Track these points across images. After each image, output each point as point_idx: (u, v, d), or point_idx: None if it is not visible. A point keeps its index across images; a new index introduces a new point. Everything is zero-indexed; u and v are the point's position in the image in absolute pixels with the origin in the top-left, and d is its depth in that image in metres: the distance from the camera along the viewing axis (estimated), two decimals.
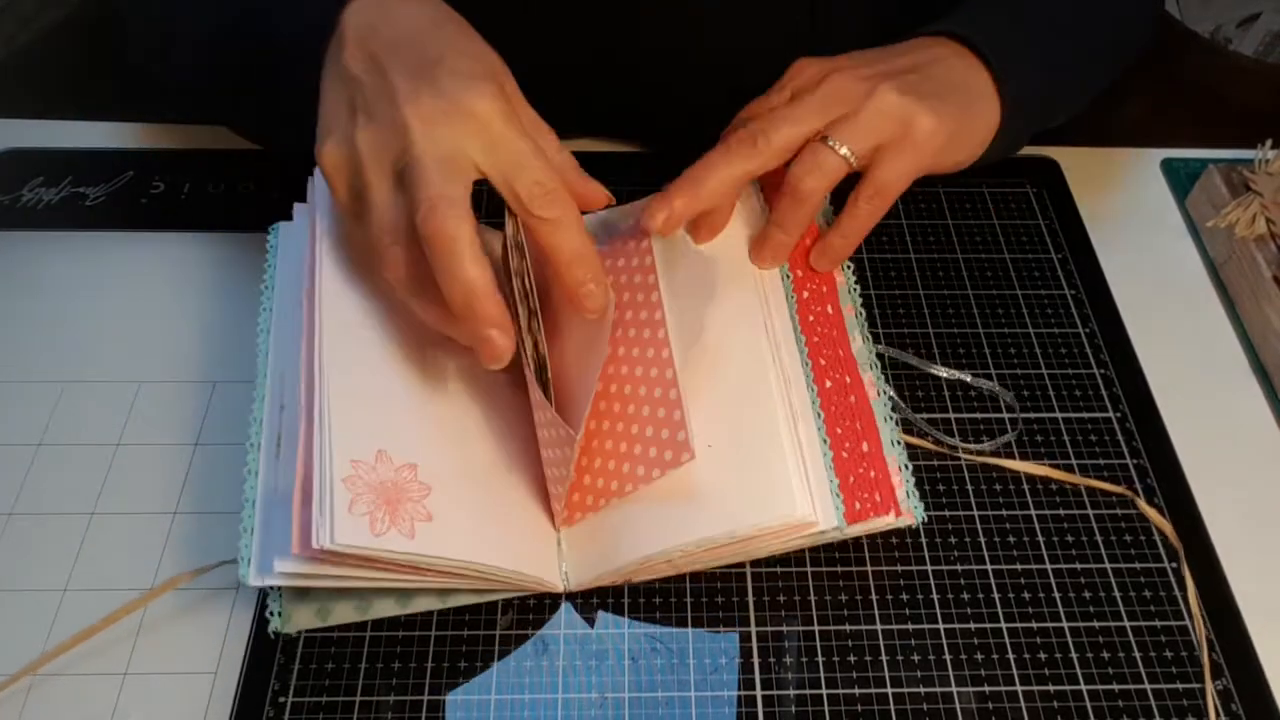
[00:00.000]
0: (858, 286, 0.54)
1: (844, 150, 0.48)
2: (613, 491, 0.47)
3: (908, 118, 0.49)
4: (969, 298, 0.62)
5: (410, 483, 0.43)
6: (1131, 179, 0.70)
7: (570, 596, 0.48)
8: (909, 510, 0.47)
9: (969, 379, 0.56)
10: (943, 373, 0.57)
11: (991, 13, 0.55)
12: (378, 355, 0.46)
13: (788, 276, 0.53)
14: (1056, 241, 0.65)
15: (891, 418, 0.49)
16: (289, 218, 0.66)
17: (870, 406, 0.49)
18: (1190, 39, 1.15)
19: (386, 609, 0.46)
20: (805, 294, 0.52)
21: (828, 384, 0.49)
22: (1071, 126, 0.65)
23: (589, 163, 0.68)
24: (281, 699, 0.45)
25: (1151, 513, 0.51)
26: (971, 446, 0.54)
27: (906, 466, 0.48)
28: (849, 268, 0.54)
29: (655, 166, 0.68)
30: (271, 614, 0.45)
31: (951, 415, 0.56)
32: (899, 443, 0.48)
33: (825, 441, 0.47)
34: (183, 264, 0.62)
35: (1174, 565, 0.50)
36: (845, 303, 0.53)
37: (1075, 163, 0.70)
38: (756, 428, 0.47)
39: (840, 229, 0.51)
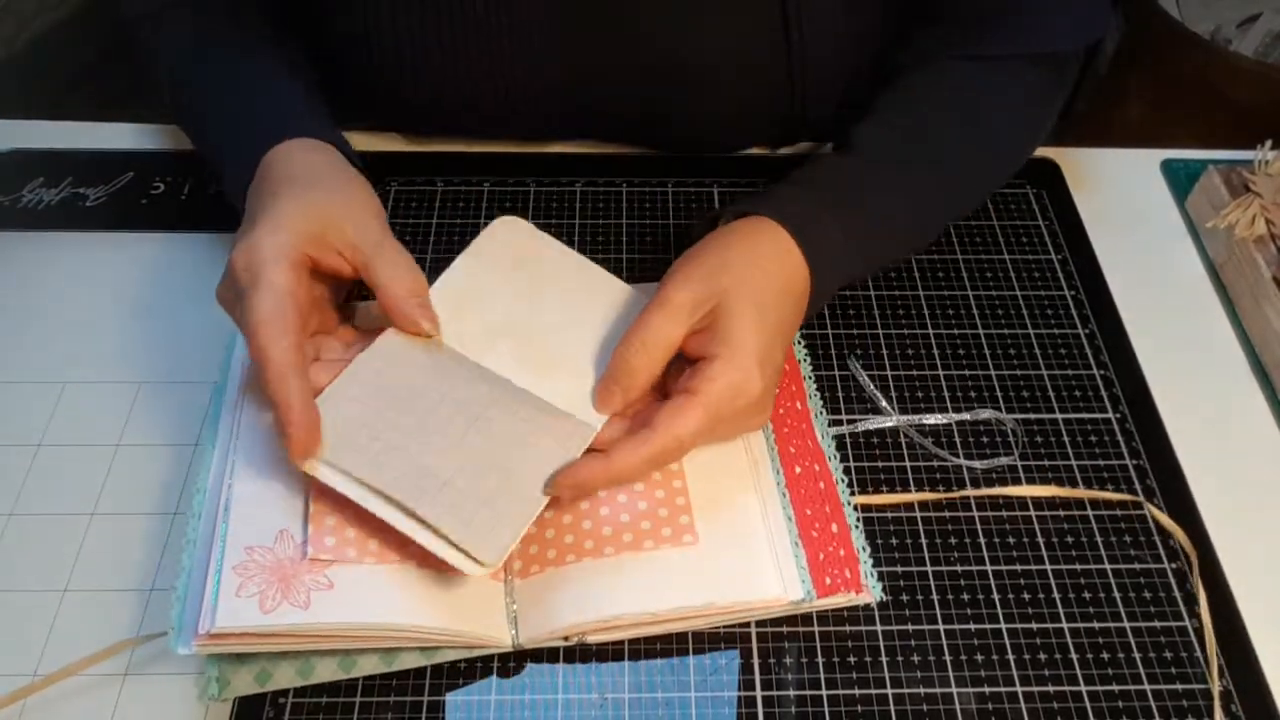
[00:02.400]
0: (818, 393, 0.55)
1: None
2: (586, 551, 0.47)
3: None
4: (969, 298, 0.62)
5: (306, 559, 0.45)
6: (1131, 179, 0.70)
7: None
8: (869, 589, 0.48)
9: (969, 417, 0.56)
10: (941, 420, 0.57)
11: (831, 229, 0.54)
12: None
13: None
14: (1056, 242, 0.65)
15: (851, 503, 0.50)
16: None
17: (836, 490, 0.50)
18: (1190, 39, 1.15)
19: (328, 673, 0.45)
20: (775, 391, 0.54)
21: (797, 470, 0.51)
22: (1071, 126, 0.66)
23: (583, 163, 0.68)
24: (281, 699, 0.45)
25: (1164, 518, 0.51)
26: (976, 465, 0.54)
27: (865, 549, 0.48)
28: (810, 379, 0.55)
29: (648, 167, 0.69)
30: (208, 680, 0.44)
31: (953, 417, 0.56)
32: (858, 526, 0.49)
33: (791, 519, 0.48)
34: (182, 264, 0.62)
35: (1174, 566, 0.50)
36: (811, 402, 0.54)
37: (1075, 163, 0.70)
38: (731, 510, 0.49)
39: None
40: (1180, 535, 0.51)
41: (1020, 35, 0.59)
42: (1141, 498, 0.53)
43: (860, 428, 0.55)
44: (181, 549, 0.46)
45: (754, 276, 0.49)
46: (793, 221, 0.52)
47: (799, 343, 0.57)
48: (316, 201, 0.49)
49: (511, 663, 0.47)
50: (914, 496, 0.52)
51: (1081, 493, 0.53)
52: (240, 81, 0.59)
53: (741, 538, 0.48)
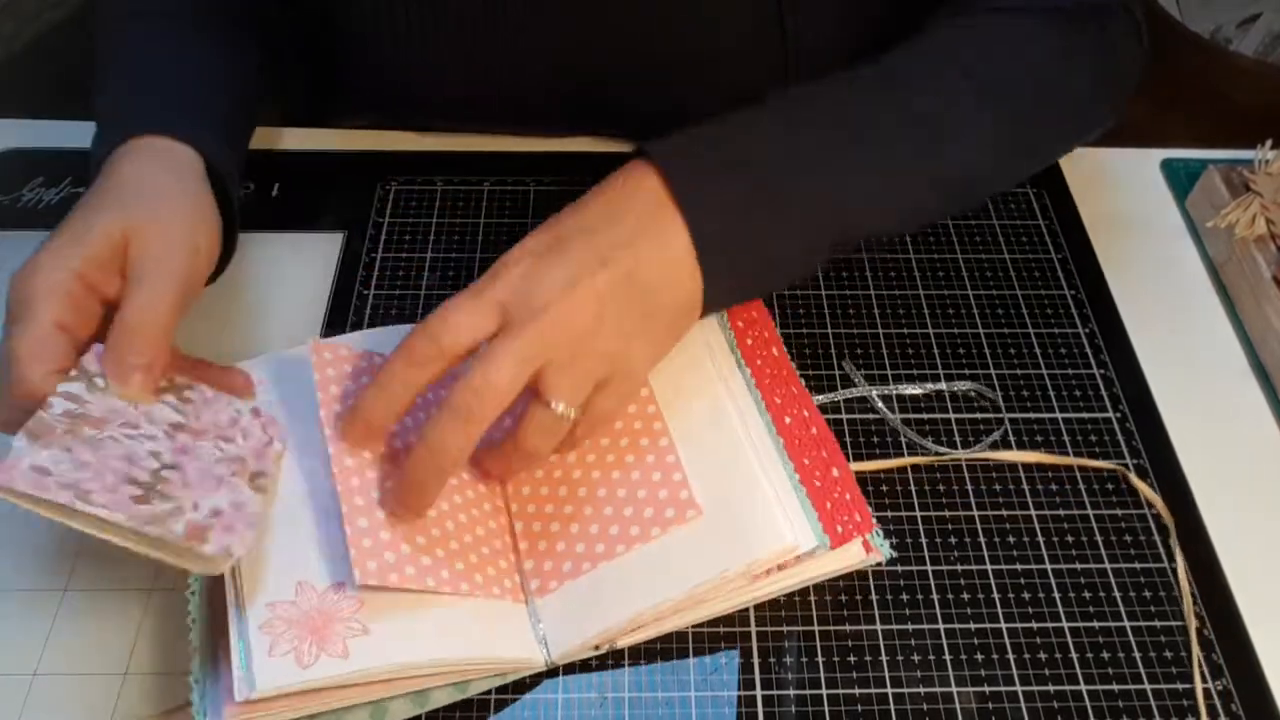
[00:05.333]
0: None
1: (562, 409, 0.44)
2: (599, 555, 0.46)
3: (622, 357, 0.46)
4: (969, 298, 0.62)
5: (340, 602, 0.43)
6: (1131, 179, 0.70)
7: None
8: (877, 548, 0.48)
9: (944, 388, 0.56)
10: (916, 389, 0.57)
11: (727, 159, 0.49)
12: (294, 479, 0.47)
13: (728, 328, 0.54)
14: (1056, 241, 0.65)
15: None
16: (287, 216, 0.66)
17: (831, 434, 0.50)
18: (1190, 39, 1.15)
19: None
20: (749, 341, 0.54)
21: (787, 420, 0.50)
22: None
23: (583, 163, 0.68)
24: None
25: (1142, 487, 0.52)
26: (962, 456, 0.54)
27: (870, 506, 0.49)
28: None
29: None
30: None
31: (939, 416, 0.56)
32: None
33: (792, 472, 0.48)
34: None
35: (1174, 566, 0.50)
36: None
37: (1075, 163, 0.70)
38: (728, 471, 0.48)
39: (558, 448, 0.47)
40: (1158, 503, 0.51)
41: None
42: (1123, 469, 0.53)
43: (859, 422, 0.55)
44: (188, 629, 0.43)
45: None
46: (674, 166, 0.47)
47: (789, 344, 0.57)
48: (115, 221, 0.46)
49: None
50: (905, 460, 0.53)
51: (1067, 459, 0.53)
52: (132, 62, 0.56)
53: (743, 496, 0.47)
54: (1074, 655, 0.47)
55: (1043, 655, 0.47)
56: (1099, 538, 0.51)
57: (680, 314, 0.48)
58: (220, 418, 0.47)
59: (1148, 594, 0.49)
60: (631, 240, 0.46)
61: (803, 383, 0.52)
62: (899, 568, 0.50)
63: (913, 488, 0.53)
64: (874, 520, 0.47)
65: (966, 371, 0.58)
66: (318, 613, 0.42)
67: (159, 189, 0.48)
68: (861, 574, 0.49)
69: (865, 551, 0.47)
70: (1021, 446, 0.54)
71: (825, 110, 0.51)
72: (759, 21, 0.60)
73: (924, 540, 0.51)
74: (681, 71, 0.63)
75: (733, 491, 0.47)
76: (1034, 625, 0.48)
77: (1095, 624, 0.48)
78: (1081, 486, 0.53)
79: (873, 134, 0.50)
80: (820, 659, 0.47)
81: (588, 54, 0.62)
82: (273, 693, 0.39)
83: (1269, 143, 0.65)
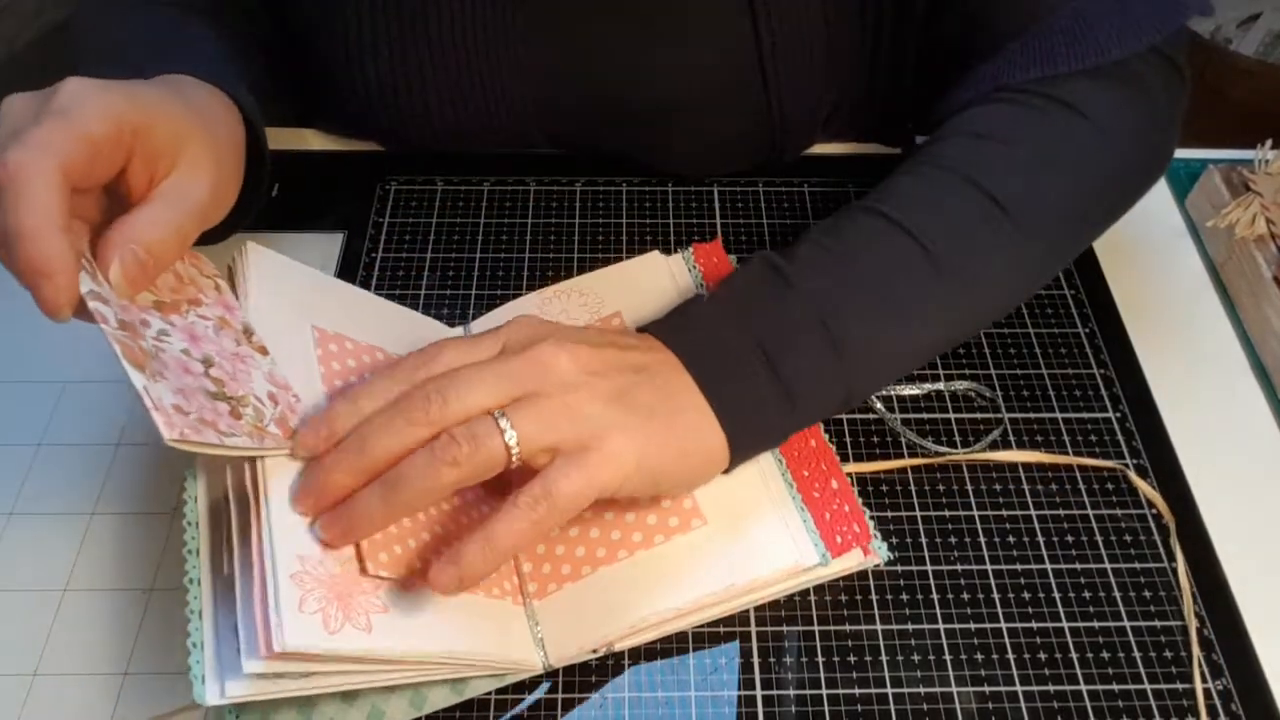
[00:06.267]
0: None
1: (510, 434, 0.40)
2: (600, 559, 0.46)
3: (600, 430, 0.42)
4: None
5: (361, 576, 0.41)
6: None
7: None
8: (875, 551, 0.48)
9: (943, 388, 0.56)
10: (915, 390, 0.57)
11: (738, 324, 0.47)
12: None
13: None
14: None
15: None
16: (287, 216, 0.66)
17: (830, 448, 0.50)
18: (1190, 39, 1.15)
19: None
20: None
21: None
22: None
23: (583, 163, 0.68)
24: None
25: (1142, 486, 0.52)
26: (962, 456, 0.54)
27: (866, 508, 0.48)
28: None
29: (624, 169, 0.69)
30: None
31: (938, 416, 0.56)
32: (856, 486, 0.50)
33: (792, 485, 0.48)
34: None
35: (1174, 566, 0.50)
36: None
37: None
38: (732, 484, 0.48)
39: (487, 535, 0.40)
40: (1158, 501, 0.51)
41: (1061, 52, 0.54)
42: (1123, 467, 0.53)
43: (858, 423, 0.55)
44: (185, 589, 0.41)
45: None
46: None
47: None
48: (179, 110, 0.42)
49: None
50: (905, 461, 0.53)
51: (1067, 458, 0.53)
52: (151, 38, 0.54)
53: (748, 510, 0.47)
54: (1074, 655, 0.47)
55: (1043, 655, 0.47)
56: (1099, 537, 0.51)
57: (687, 431, 0.44)
58: (166, 276, 0.42)
59: (1148, 594, 0.49)
60: (652, 347, 0.47)
61: None
62: (899, 568, 0.50)
63: (912, 488, 0.53)
64: (872, 532, 0.48)
65: (966, 371, 0.58)
66: (342, 579, 0.40)
67: (226, 118, 0.47)
68: (862, 574, 0.49)
69: (863, 555, 0.48)
70: (1021, 446, 0.54)
71: (840, 274, 0.49)
72: (739, 64, 0.60)
73: (924, 540, 0.51)
74: (665, 115, 0.63)
75: (737, 505, 0.48)
76: (1034, 625, 0.48)
77: (1095, 624, 0.48)
78: (1081, 486, 0.53)
79: (889, 293, 0.49)
80: (820, 659, 0.47)
81: (571, 100, 0.63)
82: (299, 651, 0.37)
83: (1269, 143, 0.65)
